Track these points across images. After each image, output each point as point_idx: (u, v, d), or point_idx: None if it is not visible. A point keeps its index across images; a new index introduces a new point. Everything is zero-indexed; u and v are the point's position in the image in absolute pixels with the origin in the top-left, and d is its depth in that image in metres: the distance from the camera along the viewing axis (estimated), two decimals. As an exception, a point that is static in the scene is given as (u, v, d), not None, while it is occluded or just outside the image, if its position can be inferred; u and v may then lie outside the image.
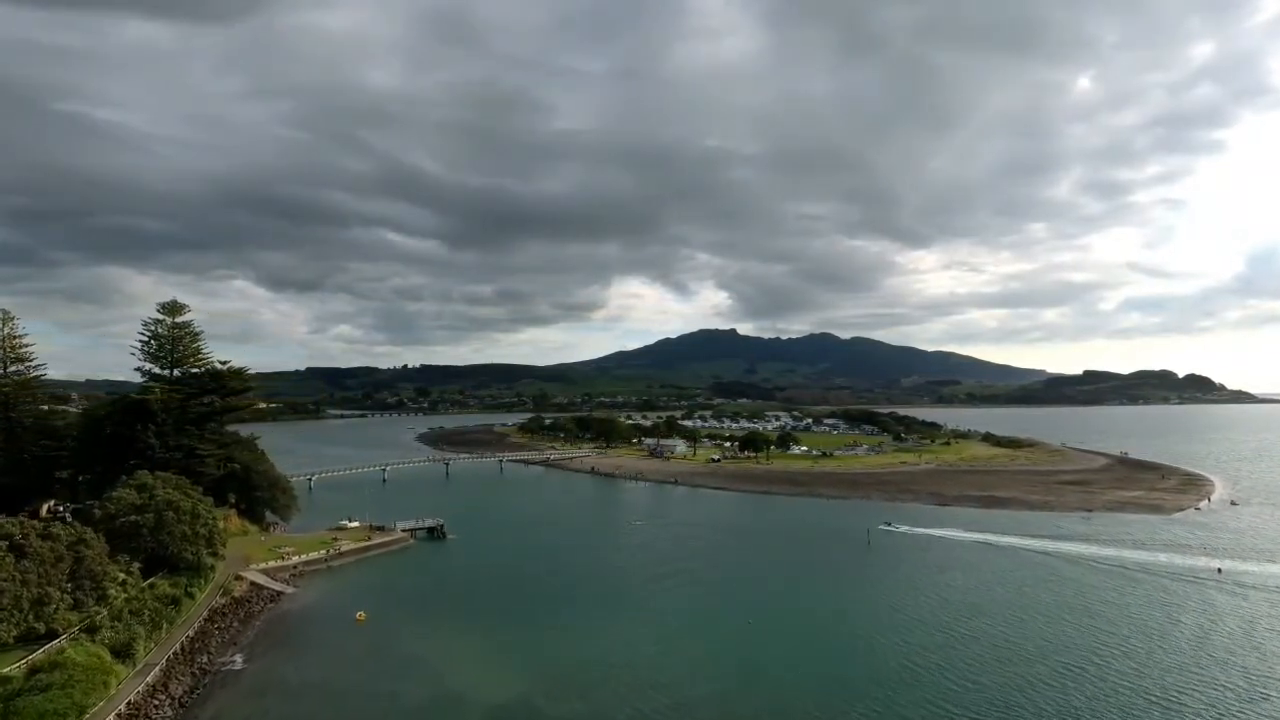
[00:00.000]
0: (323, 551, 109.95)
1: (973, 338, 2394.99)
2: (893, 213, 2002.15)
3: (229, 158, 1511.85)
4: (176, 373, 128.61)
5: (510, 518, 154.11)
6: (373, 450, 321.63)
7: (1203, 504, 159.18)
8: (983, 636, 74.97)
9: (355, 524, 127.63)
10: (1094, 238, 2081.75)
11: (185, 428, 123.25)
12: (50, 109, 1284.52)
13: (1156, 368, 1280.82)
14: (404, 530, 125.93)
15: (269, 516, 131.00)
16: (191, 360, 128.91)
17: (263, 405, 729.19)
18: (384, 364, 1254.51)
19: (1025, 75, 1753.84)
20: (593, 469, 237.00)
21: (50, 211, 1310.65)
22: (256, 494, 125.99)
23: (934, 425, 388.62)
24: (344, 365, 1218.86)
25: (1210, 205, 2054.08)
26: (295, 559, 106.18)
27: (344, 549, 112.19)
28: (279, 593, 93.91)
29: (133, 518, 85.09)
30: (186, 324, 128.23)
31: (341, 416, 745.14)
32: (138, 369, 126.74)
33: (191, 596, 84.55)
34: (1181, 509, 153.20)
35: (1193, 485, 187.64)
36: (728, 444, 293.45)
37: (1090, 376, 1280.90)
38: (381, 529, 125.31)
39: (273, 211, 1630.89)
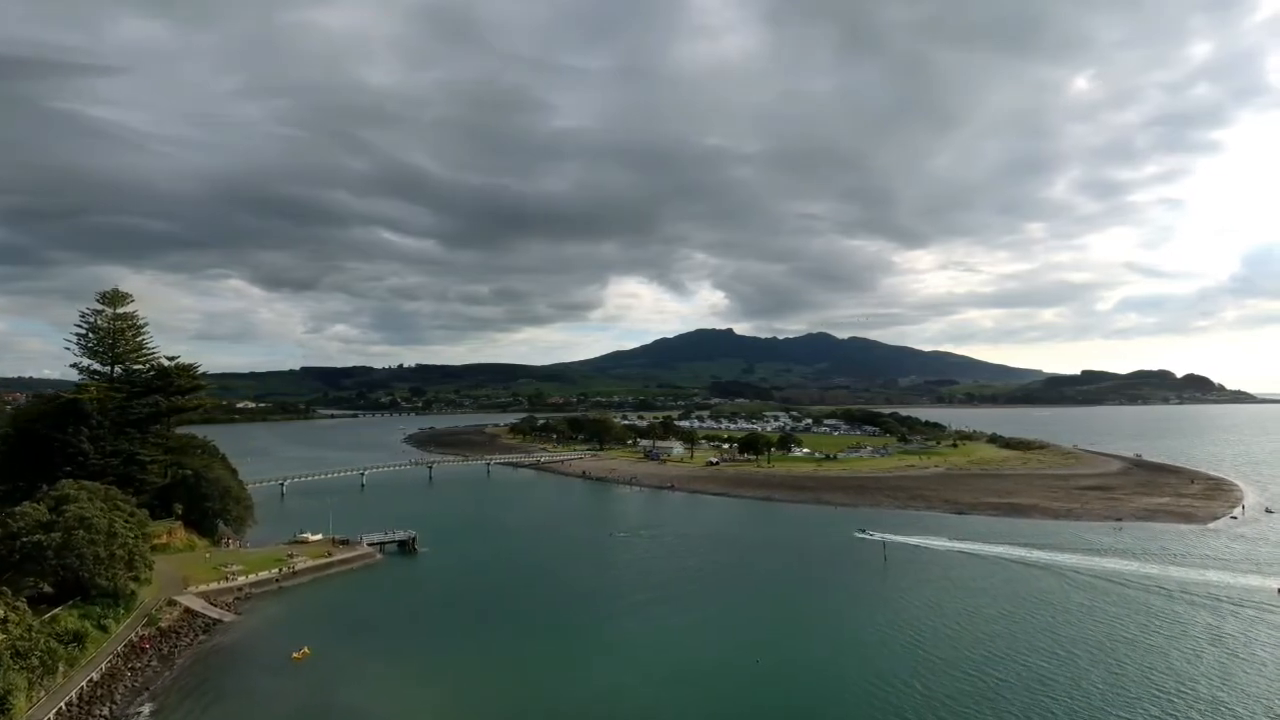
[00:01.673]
0: (275, 570, 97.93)
1: (969, 337, 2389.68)
2: (891, 212, 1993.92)
3: (226, 157, 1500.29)
4: (118, 370, 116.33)
5: (492, 528, 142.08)
6: (357, 452, 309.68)
7: (1236, 512, 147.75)
8: (1025, 681, 63.08)
9: (316, 538, 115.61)
10: (1092, 237, 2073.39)
11: (125, 431, 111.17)
12: (47, 107, 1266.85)
13: (1153, 367, 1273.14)
14: (371, 544, 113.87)
15: (222, 529, 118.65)
16: (134, 356, 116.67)
17: (251, 405, 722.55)
18: (380, 364, 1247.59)
19: (1025, 74, 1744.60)
20: (584, 473, 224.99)
21: (47, 210, 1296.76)
22: (206, 504, 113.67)
23: (937, 426, 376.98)
24: (340, 365, 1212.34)
25: (1208, 205, 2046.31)
26: (241, 579, 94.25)
27: (299, 567, 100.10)
28: (215, 621, 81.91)
29: (37, 537, 73.04)
30: (129, 315, 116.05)
31: (332, 417, 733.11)
32: (74, 365, 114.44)
33: (104, 630, 72.61)
34: (1216, 518, 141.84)
35: (1220, 491, 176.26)
36: (726, 446, 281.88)
37: (1089, 376, 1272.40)
38: (346, 543, 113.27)
39: (270, 210, 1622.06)
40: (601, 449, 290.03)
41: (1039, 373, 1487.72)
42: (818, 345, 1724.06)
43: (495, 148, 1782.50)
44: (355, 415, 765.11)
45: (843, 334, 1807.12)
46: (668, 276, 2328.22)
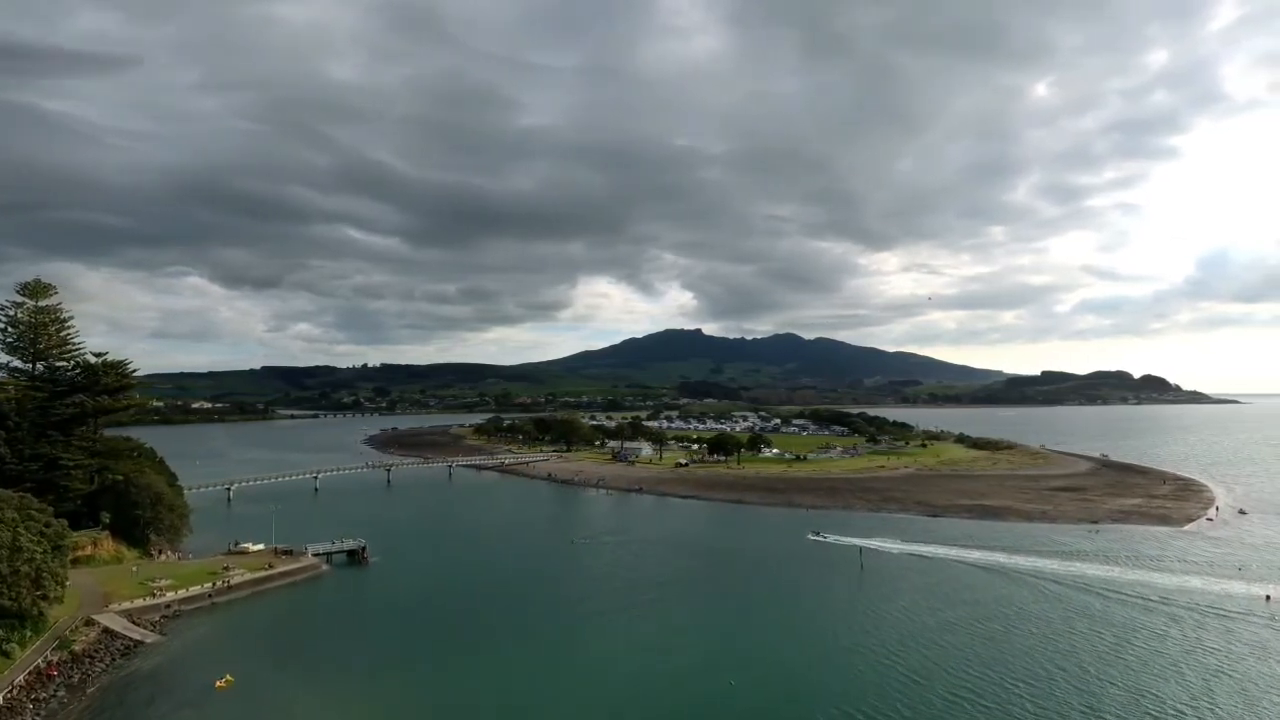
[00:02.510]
0: (208, 585, 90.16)
1: (932, 339, 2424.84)
2: (857, 214, 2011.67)
3: (185, 151, 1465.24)
4: (39, 367, 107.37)
5: (450, 535, 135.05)
6: (313, 455, 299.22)
7: (1210, 514, 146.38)
8: (1008, 709, 58.51)
9: (258, 548, 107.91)
10: (1051, 241, 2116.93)
11: (47, 433, 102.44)
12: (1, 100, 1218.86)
13: (1110, 368, 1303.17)
14: (316, 555, 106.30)
15: (156, 539, 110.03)
16: (57, 352, 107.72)
17: (208, 405, 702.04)
18: (345, 363, 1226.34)
19: (987, 79, 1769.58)
20: (550, 475, 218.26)
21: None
22: (136, 512, 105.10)
23: (905, 426, 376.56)
24: (303, 364, 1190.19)
25: (1163, 210, 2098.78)
26: (170, 595, 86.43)
27: (235, 581, 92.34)
28: (137, 643, 74.25)
29: (-71, 554, 65.12)
30: (52, 308, 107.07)
31: (292, 417, 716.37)
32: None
33: (7, 655, 65.02)
34: (1191, 519, 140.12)
35: (1190, 492, 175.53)
36: (696, 446, 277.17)
37: (1048, 377, 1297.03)
38: (289, 553, 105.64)
39: (231, 207, 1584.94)
40: (569, 450, 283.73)
41: (1000, 373, 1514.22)
42: (785, 346, 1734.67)
43: (462, 145, 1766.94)
44: (316, 416, 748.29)
45: (810, 335, 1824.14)
46: (637, 277, 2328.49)
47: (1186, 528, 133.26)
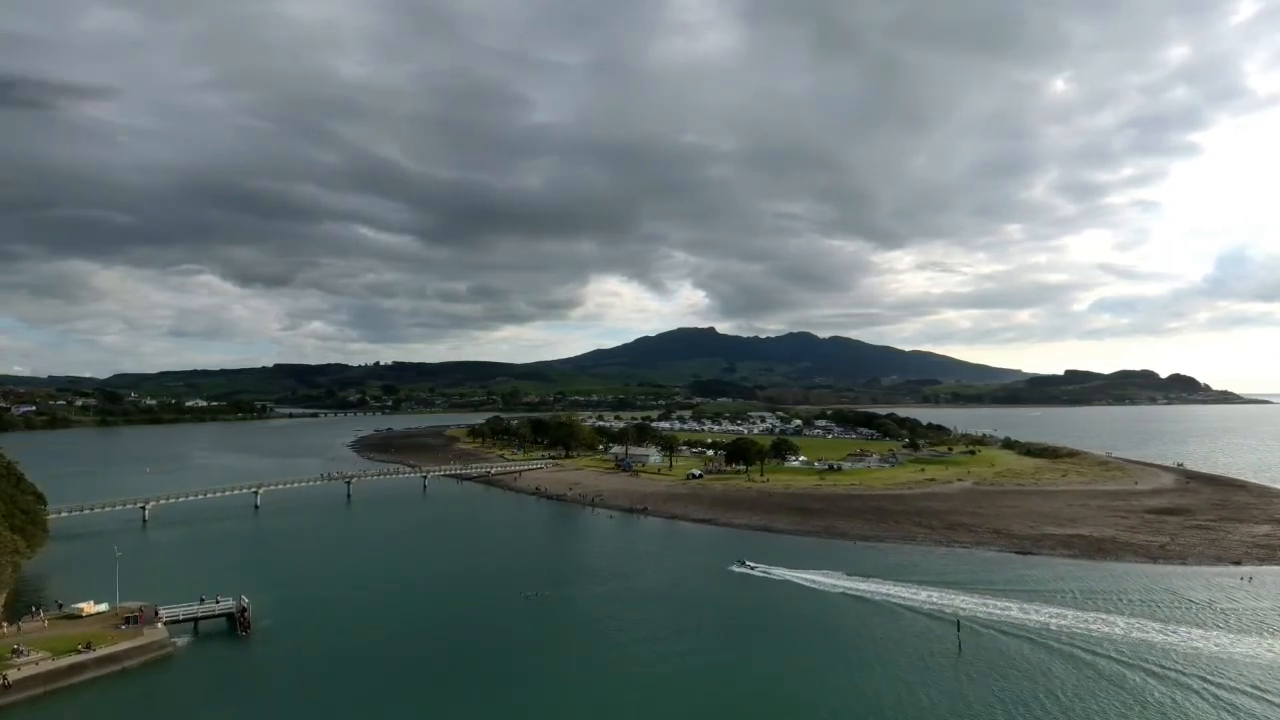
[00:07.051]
0: (-30, 684, 59.07)
1: (946, 337, 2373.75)
2: (869, 212, 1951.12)
3: (194, 149, 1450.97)
4: None
5: (385, 581, 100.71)
6: (287, 459, 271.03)
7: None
8: None
9: (99, 608, 76.99)
10: (1068, 239, 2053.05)
11: None
12: (7, 97, 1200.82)
13: (1125, 368, 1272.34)
14: (173, 622, 74.96)
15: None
16: None
17: (203, 404, 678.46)
18: (357, 361, 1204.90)
19: (1001, 75, 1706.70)
20: (539, 489, 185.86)
21: (8, 202, 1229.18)
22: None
23: (941, 428, 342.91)
24: (315, 362, 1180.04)
25: (1183, 207, 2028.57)
26: (-101, 705, 55.52)
27: (19, 676, 60.92)
28: None
29: None
30: None
31: (290, 416, 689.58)
32: None
33: None
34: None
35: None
36: (710, 452, 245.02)
37: (1073, 376, 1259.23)
38: (134, 620, 74.35)
39: (240, 205, 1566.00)
40: (568, 456, 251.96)
41: (1019, 372, 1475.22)
42: (799, 344, 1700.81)
43: (470, 142, 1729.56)
44: (316, 415, 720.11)
45: (824, 334, 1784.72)
46: (648, 275, 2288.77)
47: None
